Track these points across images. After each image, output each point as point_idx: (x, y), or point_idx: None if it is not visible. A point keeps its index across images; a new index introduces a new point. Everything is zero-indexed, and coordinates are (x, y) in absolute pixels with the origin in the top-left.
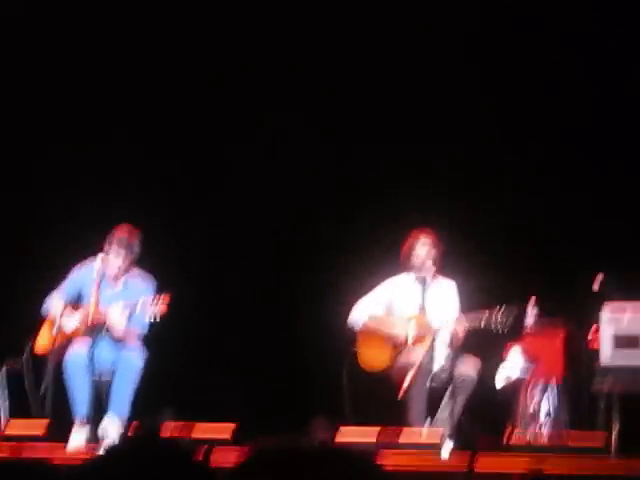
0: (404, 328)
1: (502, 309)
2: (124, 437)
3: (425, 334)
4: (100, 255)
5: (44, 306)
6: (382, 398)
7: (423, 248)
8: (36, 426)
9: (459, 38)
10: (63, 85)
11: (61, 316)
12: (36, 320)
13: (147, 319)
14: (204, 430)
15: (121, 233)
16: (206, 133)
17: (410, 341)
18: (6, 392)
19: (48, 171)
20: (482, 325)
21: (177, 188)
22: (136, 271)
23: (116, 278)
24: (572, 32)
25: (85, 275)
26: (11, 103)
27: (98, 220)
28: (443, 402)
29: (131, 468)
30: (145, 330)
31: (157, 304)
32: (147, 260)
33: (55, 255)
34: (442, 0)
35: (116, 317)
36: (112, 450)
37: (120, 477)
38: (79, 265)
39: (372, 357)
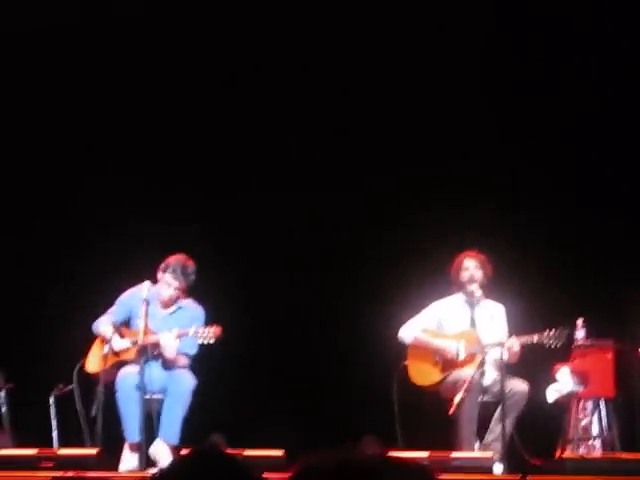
0: (455, 344)
1: (554, 330)
2: (183, 455)
3: (475, 352)
4: (149, 282)
5: (94, 328)
6: (432, 413)
7: (472, 269)
8: (88, 454)
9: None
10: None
11: (112, 338)
12: (85, 345)
13: (197, 347)
14: (254, 457)
15: (177, 261)
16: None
17: (461, 357)
18: (55, 421)
19: (100, 197)
20: (535, 341)
21: (229, 219)
22: (188, 299)
23: (168, 304)
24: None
25: (135, 299)
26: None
27: (148, 247)
28: (494, 418)
29: None
30: (194, 356)
31: (209, 334)
32: (200, 289)
33: (104, 280)
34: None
35: (168, 342)
36: (174, 466)
37: None
38: (130, 289)
39: (423, 372)
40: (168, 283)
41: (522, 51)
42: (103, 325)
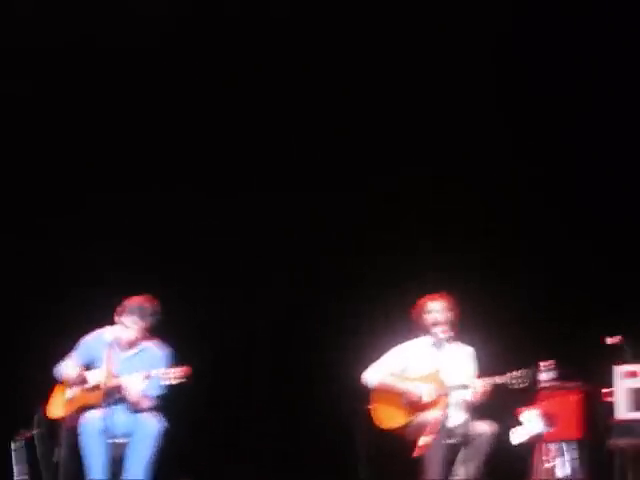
0: (420, 387)
1: (518, 372)
2: None
3: (441, 395)
4: (111, 326)
5: (56, 372)
6: (397, 456)
7: (435, 312)
8: None
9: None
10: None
11: (75, 382)
12: (46, 388)
13: (162, 388)
14: None
15: (135, 303)
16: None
17: (427, 400)
18: (23, 466)
19: (63, 236)
20: (499, 382)
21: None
22: (151, 341)
23: (131, 345)
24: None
25: (98, 341)
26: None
27: (112, 290)
28: (458, 458)
29: None
30: (160, 398)
31: (174, 374)
32: (163, 329)
33: (66, 322)
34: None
35: (134, 385)
36: None
37: None
38: (92, 333)
39: (388, 415)
40: (126, 325)
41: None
42: (65, 370)
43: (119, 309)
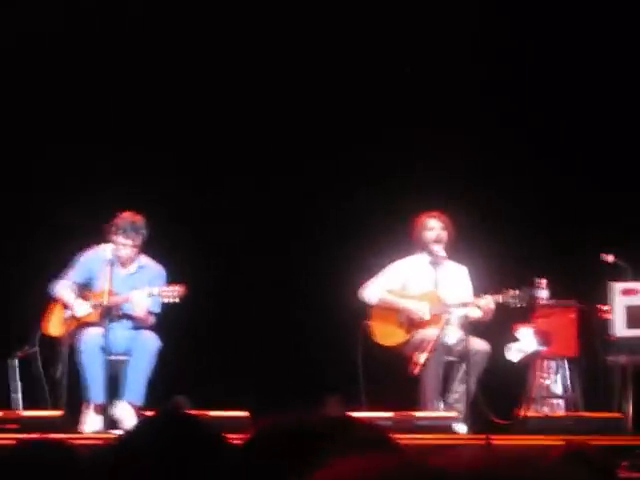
0: (420, 305)
1: (517, 290)
2: (148, 416)
3: (440, 312)
4: (110, 241)
5: (53, 292)
6: (396, 373)
7: (437, 229)
8: (52, 416)
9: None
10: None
11: (74, 303)
12: (42, 307)
13: (161, 306)
14: (219, 417)
15: (124, 220)
16: (206, 119)
17: (426, 318)
18: (18, 383)
19: (49, 161)
20: (500, 301)
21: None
22: (147, 258)
23: (127, 262)
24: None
25: (94, 260)
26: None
27: (101, 207)
28: (457, 378)
29: (161, 443)
30: (158, 316)
31: (173, 293)
32: (154, 248)
33: (58, 242)
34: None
35: (140, 301)
36: (140, 426)
37: (149, 454)
38: (90, 249)
39: (387, 332)
40: (122, 244)
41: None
42: (63, 289)
43: (110, 228)
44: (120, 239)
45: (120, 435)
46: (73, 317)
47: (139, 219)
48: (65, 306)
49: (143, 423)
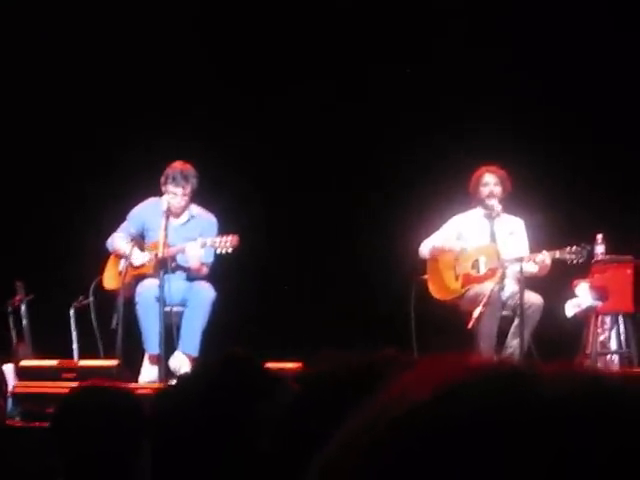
0: (474, 256)
1: (575, 247)
2: (210, 359)
3: (496, 266)
4: (164, 192)
5: (108, 244)
6: (451, 327)
7: (492, 184)
8: (108, 365)
9: None
10: None
11: (131, 253)
12: (99, 259)
13: (216, 256)
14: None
15: (174, 169)
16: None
17: (482, 272)
18: (74, 333)
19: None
20: (557, 257)
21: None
22: (199, 207)
23: (179, 212)
24: None
25: (148, 212)
26: None
27: (151, 160)
28: (511, 332)
29: (220, 384)
30: (212, 266)
31: (227, 243)
32: (205, 198)
33: (111, 196)
34: None
35: (195, 252)
36: (202, 368)
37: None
38: (145, 202)
39: (442, 286)
40: (173, 192)
41: None
42: (119, 241)
43: (162, 178)
44: (170, 188)
45: (179, 377)
46: (129, 268)
47: (188, 167)
48: (121, 258)
49: (205, 365)
